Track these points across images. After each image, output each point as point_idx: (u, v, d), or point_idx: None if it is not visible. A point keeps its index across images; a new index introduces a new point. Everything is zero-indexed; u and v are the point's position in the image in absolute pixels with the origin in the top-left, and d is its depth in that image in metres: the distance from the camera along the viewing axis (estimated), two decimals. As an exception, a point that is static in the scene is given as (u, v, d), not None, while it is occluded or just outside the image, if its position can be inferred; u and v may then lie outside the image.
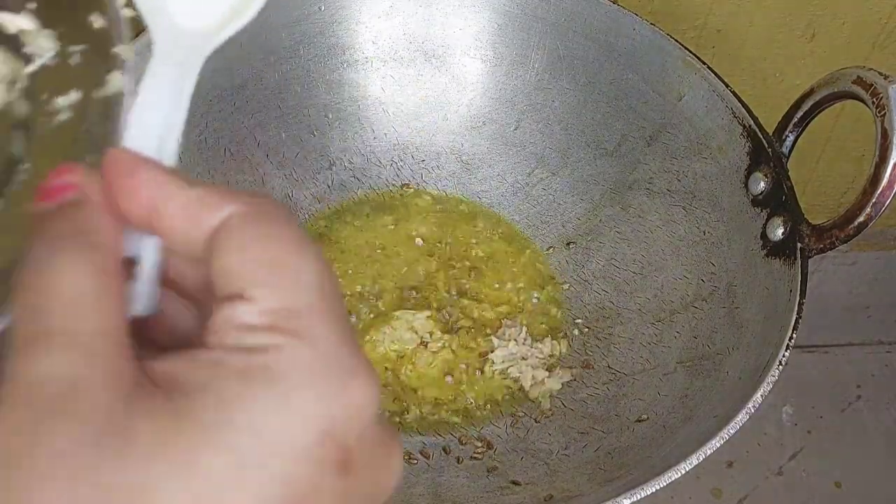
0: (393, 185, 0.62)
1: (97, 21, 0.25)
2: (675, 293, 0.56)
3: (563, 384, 0.55)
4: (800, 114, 0.51)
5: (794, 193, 0.51)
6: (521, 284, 0.59)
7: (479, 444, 0.52)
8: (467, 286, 0.59)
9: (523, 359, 0.56)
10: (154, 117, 0.23)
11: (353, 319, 0.56)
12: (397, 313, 0.56)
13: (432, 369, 0.55)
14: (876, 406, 0.93)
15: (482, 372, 0.55)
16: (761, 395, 0.44)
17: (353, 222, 0.60)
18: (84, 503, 0.17)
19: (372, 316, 0.56)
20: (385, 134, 0.62)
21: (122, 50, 0.24)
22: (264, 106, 0.58)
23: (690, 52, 0.56)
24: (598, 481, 0.47)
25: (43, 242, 0.20)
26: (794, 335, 0.46)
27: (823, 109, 0.50)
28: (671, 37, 0.56)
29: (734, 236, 0.54)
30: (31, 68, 0.25)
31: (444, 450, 0.52)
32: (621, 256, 0.59)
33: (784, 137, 0.52)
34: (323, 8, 0.58)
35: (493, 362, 0.55)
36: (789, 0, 0.67)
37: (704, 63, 0.55)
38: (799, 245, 0.49)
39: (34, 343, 0.19)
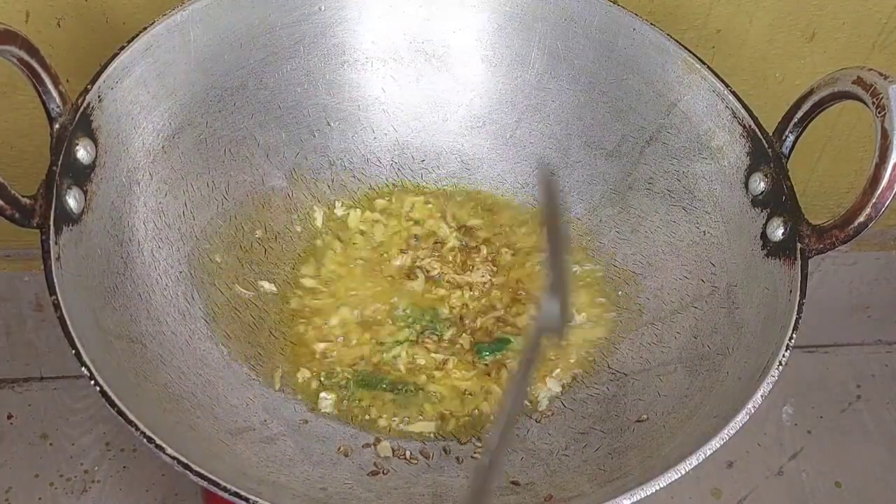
0: (393, 185, 0.62)
1: None
2: (675, 293, 0.56)
3: (563, 385, 0.55)
4: (800, 114, 0.51)
5: (794, 193, 0.51)
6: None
7: (479, 445, 0.52)
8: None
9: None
10: None
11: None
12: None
13: (433, 370, 0.55)
14: (876, 406, 0.93)
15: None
16: (761, 396, 0.44)
17: (350, 225, 0.60)
18: None
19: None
20: (385, 134, 0.62)
21: None
22: (264, 106, 0.58)
23: (690, 52, 0.56)
24: (598, 481, 0.47)
25: None
26: (794, 335, 0.46)
27: (823, 109, 0.50)
28: (671, 37, 0.56)
29: (734, 236, 0.54)
30: None
31: (444, 450, 0.52)
32: (621, 256, 0.59)
33: (784, 137, 0.52)
34: (323, 8, 0.58)
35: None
36: (789, 0, 0.67)
37: (704, 63, 0.55)
38: (799, 245, 0.49)
39: None
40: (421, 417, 0.53)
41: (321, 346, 0.55)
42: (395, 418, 0.52)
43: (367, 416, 0.52)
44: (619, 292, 0.58)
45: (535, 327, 0.39)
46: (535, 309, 0.50)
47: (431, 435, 0.52)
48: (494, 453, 0.36)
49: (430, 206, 0.61)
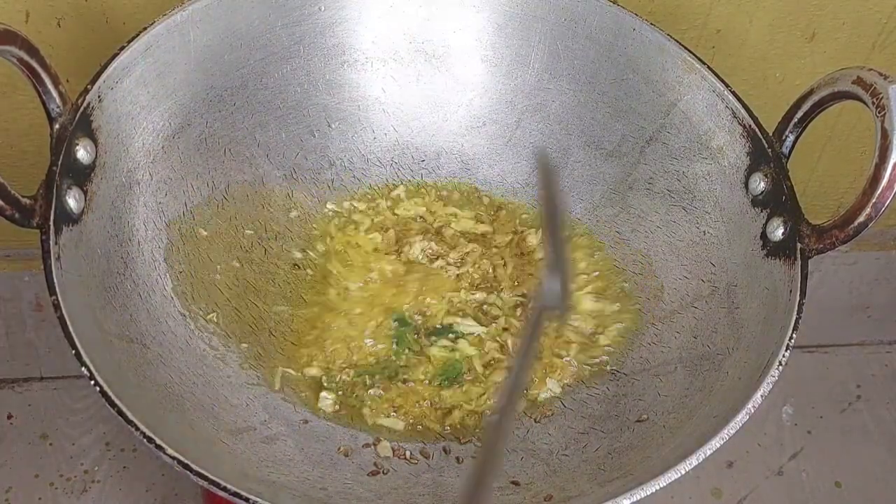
0: (394, 185, 0.62)
1: None
2: (675, 293, 0.56)
3: (562, 385, 0.55)
4: (800, 114, 0.51)
5: (794, 193, 0.51)
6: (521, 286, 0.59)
7: (480, 445, 0.52)
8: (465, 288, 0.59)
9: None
10: None
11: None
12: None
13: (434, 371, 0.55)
14: (876, 406, 0.93)
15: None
16: (761, 395, 0.44)
17: (351, 224, 0.60)
18: None
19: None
20: (385, 134, 0.62)
21: None
22: (264, 106, 0.58)
23: (690, 52, 0.56)
24: (598, 481, 0.47)
25: None
26: (794, 335, 0.46)
27: (823, 109, 0.50)
28: (671, 37, 0.56)
29: (734, 236, 0.54)
30: None
31: (444, 450, 0.52)
32: (621, 256, 0.59)
33: (784, 137, 0.52)
34: (323, 8, 0.58)
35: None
36: (789, 0, 0.67)
37: (704, 63, 0.55)
38: (799, 245, 0.49)
39: None
40: (397, 414, 0.53)
41: (322, 345, 0.55)
42: (382, 406, 0.53)
43: (362, 410, 0.52)
44: (620, 292, 0.58)
45: (536, 304, 0.39)
46: (536, 287, 0.50)
47: (403, 434, 0.52)
48: (492, 440, 0.36)
49: (429, 204, 0.61)
